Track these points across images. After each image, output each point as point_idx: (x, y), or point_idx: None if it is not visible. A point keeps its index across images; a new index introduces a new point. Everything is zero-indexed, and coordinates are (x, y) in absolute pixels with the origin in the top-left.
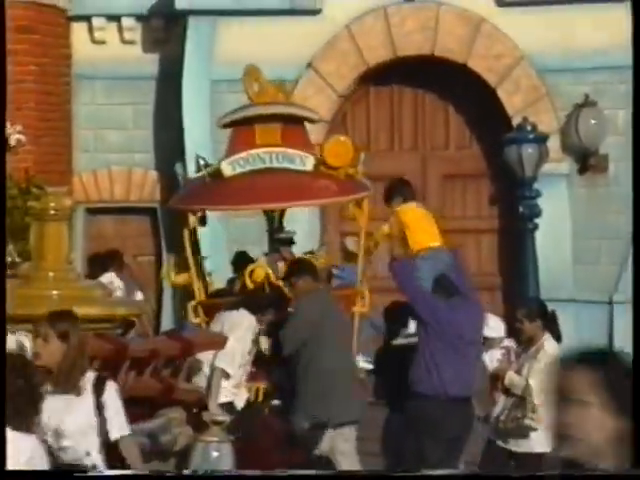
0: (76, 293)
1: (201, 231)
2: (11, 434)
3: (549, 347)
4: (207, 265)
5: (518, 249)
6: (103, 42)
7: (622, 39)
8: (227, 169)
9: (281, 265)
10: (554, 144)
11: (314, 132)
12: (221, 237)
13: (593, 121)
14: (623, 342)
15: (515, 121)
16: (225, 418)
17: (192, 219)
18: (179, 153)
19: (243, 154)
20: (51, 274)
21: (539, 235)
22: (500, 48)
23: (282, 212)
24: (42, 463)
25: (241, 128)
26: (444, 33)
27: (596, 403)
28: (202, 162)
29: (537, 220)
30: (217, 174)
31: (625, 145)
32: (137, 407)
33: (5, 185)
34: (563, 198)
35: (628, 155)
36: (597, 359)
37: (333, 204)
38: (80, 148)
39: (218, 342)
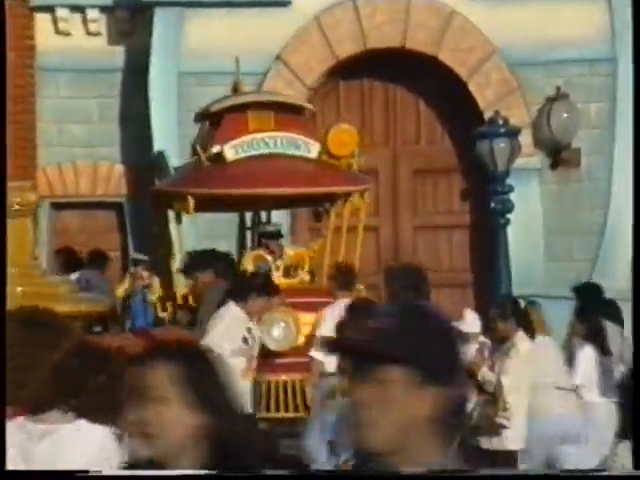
0: (41, 290)
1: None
2: (90, 429)
3: (522, 345)
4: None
5: (490, 245)
6: (67, 34)
7: (595, 32)
8: (230, 153)
9: (270, 258)
10: (526, 138)
11: None
12: (191, 232)
13: (565, 114)
14: None
15: (486, 115)
16: None
17: (192, 202)
18: (146, 146)
19: (246, 138)
20: (15, 270)
21: (511, 230)
22: (471, 41)
23: (263, 203)
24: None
25: (233, 115)
26: (415, 26)
27: (175, 399)
28: (198, 147)
29: (509, 215)
30: (217, 158)
31: (598, 139)
32: None
33: (5, 184)
34: (535, 193)
35: (601, 149)
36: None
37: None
38: (44, 142)
39: (184, 340)
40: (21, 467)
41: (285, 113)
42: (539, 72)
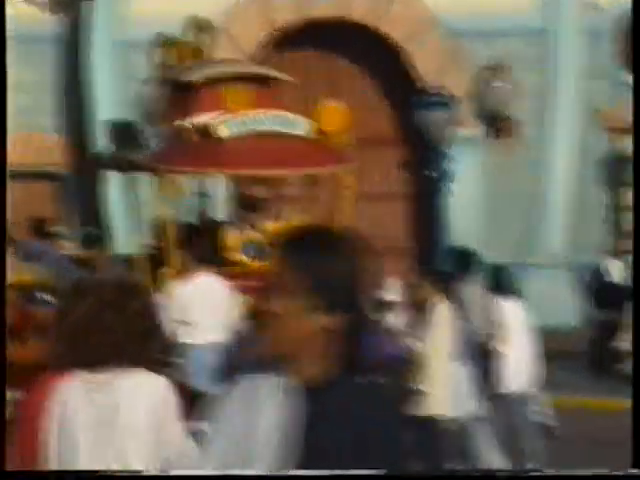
0: None
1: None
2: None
3: (442, 310)
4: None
5: (430, 213)
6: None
7: (532, 2)
8: (223, 130)
9: (254, 235)
10: (464, 108)
11: None
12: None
13: (502, 84)
14: (537, 301)
15: (427, 85)
16: None
17: (184, 182)
18: (85, 116)
19: (240, 115)
20: None
21: (452, 200)
22: (410, 11)
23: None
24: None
25: (206, 88)
26: None
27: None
28: (188, 123)
29: (449, 184)
30: (206, 134)
31: (535, 109)
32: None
33: (5, 184)
34: (474, 162)
35: (539, 119)
36: None
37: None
38: None
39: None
40: (79, 421)
41: (266, 86)
42: (476, 42)
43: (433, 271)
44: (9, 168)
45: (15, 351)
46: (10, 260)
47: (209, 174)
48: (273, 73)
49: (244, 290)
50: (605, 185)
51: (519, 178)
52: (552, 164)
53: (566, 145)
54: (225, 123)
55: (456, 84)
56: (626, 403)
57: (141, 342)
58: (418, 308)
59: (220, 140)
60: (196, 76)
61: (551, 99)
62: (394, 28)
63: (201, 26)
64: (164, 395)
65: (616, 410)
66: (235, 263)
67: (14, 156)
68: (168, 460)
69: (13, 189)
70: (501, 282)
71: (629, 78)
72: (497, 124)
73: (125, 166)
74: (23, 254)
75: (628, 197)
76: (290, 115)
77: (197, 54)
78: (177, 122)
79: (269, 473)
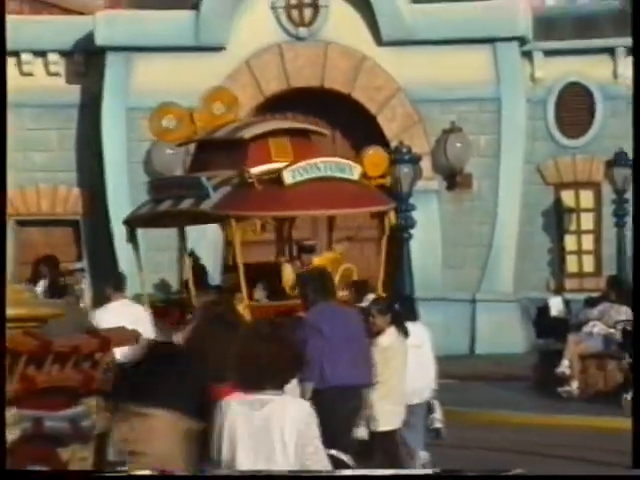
0: (8, 296)
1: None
2: None
3: (383, 339)
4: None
5: (396, 255)
6: (31, 74)
7: (484, 75)
8: (288, 177)
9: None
10: (426, 164)
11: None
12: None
13: (459, 144)
14: (485, 333)
15: (393, 144)
16: None
17: (259, 224)
18: (99, 172)
19: (302, 164)
20: None
21: (414, 243)
22: (380, 81)
23: (292, 221)
24: None
25: (256, 142)
26: (331, 68)
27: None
28: (247, 174)
29: (412, 230)
30: (270, 181)
31: (486, 165)
32: (60, 396)
33: (5, 183)
34: (434, 211)
35: (489, 174)
36: None
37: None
38: (10, 167)
39: (129, 339)
40: (240, 433)
41: (298, 138)
42: (437, 108)
43: (389, 303)
44: (34, 216)
45: (36, 376)
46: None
47: (275, 216)
48: (311, 127)
49: None
50: (550, 232)
51: (472, 225)
52: (501, 213)
53: (513, 197)
54: (290, 171)
55: (419, 143)
56: (564, 420)
57: (288, 369)
58: (375, 334)
59: (283, 186)
60: (248, 133)
61: (501, 157)
62: (365, 95)
63: (224, 99)
64: (308, 416)
65: (556, 425)
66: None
67: (38, 206)
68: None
69: (41, 234)
70: (408, 309)
71: (566, 141)
72: (454, 178)
73: (186, 216)
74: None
75: (571, 243)
76: (343, 161)
77: (192, 119)
78: (234, 173)
79: (269, 473)
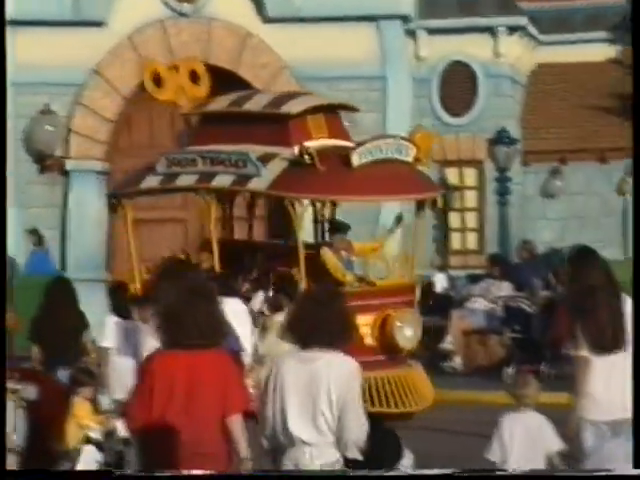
0: None
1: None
2: None
3: (276, 317)
4: None
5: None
6: None
7: (371, 53)
8: (356, 160)
9: (344, 254)
10: None
11: (102, 130)
12: None
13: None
14: None
15: None
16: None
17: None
18: None
19: (368, 145)
20: None
21: None
22: (265, 59)
23: (334, 203)
24: None
25: (296, 119)
26: (216, 44)
27: None
28: (308, 153)
29: None
30: (332, 162)
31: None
32: None
33: (5, 184)
34: None
35: None
36: None
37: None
38: None
39: None
40: (288, 385)
41: (330, 115)
42: (323, 86)
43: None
44: None
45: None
46: None
47: (336, 200)
48: (350, 104)
49: (365, 309)
50: (434, 210)
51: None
52: None
53: None
54: (357, 153)
55: None
56: (449, 395)
57: (336, 332)
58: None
59: (348, 168)
60: (296, 108)
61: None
62: (251, 73)
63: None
64: (351, 373)
65: (441, 400)
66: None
67: None
68: (345, 430)
69: None
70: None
71: (450, 119)
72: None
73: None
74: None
75: (455, 220)
76: (402, 142)
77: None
78: (290, 151)
79: (269, 473)
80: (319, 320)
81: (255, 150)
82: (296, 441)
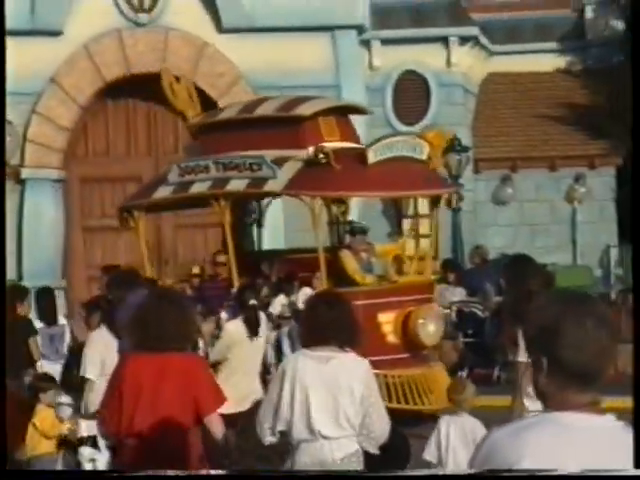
0: None
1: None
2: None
3: (226, 326)
4: None
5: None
6: None
7: (325, 62)
8: (372, 156)
9: (365, 255)
10: None
11: (58, 139)
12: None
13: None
14: None
15: None
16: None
17: (344, 206)
18: None
19: (384, 142)
20: None
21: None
22: (221, 68)
23: (347, 203)
24: None
25: (309, 121)
26: (172, 54)
27: None
28: (322, 153)
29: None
30: (347, 160)
31: None
32: None
33: (4, 184)
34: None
35: None
36: None
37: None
38: None
39: None
40: (308, 382)
41: (341, 117)
42: (279, 94)
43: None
44: None
45: None
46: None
47: (356, 197)
48: (361, 106)
49: (386, 307)
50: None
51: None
52: None
53: None
54: (373, 150)
55: None
56: None
57: (346, 332)
58: None
59: (364, 166)
60: (308, 110)
61: None
62: (207, 82)
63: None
64: (369, 371)
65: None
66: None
67: None
68: (372, 426)
69: None
70: None
71: (404, 128)
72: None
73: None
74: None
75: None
76: (416, 140)
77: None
78: (304, 153)
79: (269, 473)
80: (329, 322)
81: (269, 154)
82: (317, 436)
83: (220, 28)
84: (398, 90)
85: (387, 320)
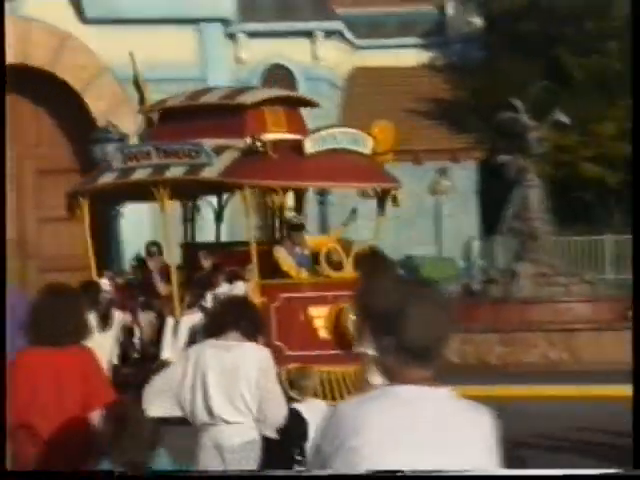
0: None
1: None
2: None
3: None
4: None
5: (105, 232)
6: None
7: (191, 55)
8: (309, 146)
9: (299, 250)
10: (133, 143)
11: None
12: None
13: None
14: None
15: (100, 123)
16: None
17: (280, 197)
18: None
19: (322, 133)
20: None
21: (122, 220)
22: (85, 60)
23: (303, 197)
24: None
25: (252, 111)
26: (35, 45)
27: None
28: (258, 142)
29: (119, 208)
30: (285, 151)
31: None
32: None
33: (4, 184)
34: None
35: None
36: None
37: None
38: None
39: None
40: (212, 372)
41: (290, 108)
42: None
43: None
44: None
45: None
46: None
47: (291, 187)
48: (306, 97)
49: (318, 301)
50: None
51: None
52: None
53: None
54: (312, 140)
55: (127, 123)
56: None
57: (250, 322)
58: None
59: (301, 156)
60: (251, 99)
61: None
62: (70, 74)
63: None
64: (267, 359)
65: None
66: (289, 276)
67: None
68: (267, 411)
69: None
70: None
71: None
72: None
73: (194, 185)
74: None
75: None
76: (358, 133)
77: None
78: (244, 141)
79: (269, 473)
80: (235, 317)
81: (210, 143)
82: (217, 419)
83: (83, 19)
84: (265, 83)
85: (319, 315)
